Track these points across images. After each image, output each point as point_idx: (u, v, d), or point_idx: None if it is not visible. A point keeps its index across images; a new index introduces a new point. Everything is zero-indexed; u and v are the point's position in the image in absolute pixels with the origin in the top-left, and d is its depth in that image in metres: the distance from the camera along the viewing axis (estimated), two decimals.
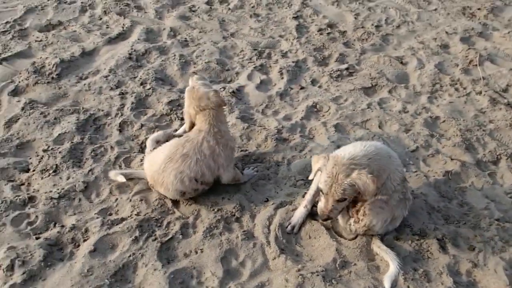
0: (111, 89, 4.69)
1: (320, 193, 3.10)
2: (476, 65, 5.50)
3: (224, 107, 3.61)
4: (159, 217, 3.42)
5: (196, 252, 3.22)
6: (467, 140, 4.36)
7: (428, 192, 3.79)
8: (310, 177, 3.18)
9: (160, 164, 3.37)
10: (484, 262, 3.27)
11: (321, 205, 3.09)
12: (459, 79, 5.26)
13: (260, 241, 3.31)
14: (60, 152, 3.88)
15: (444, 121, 4.60)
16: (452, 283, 3.09)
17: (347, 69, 5.29)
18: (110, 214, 3.44)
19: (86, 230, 3.29)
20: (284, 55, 5.48)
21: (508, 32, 6.19)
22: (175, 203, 3.54)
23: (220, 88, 4.79)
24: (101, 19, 5.87)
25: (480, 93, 5.06)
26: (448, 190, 3.85)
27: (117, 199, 3.55)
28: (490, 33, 6.22)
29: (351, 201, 3.18)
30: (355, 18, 6.37)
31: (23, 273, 2.95)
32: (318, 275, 3.06)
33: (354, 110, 4.67)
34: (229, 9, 6.37)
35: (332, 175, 2.93)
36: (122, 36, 5.56)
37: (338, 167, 2.93)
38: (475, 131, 4.49)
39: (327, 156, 3.04)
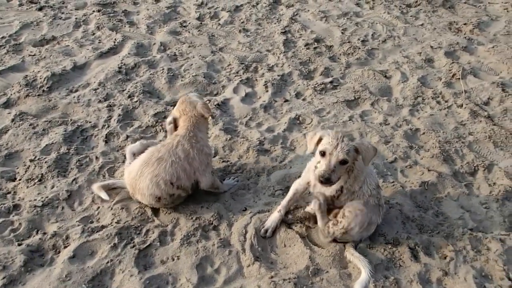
0: (100, 101, 4.83)
1: (320, 157, 3.16)
2: (459, 78, 5.61)
3: (207, 117, 3.72)
4: (139, 225, 3.52)
5: (173, 259, 3.30)
6: (446, 152, 4.45)
7: (404, 202, 3.87)
8: (308, 151, 3.29)
9: (137, 170, 3.48)
10: (454, 270, 3.34)
11: (323, 165, 3.11)
12: (441, 92, 5.36)
13: (236, 249, 3.40)
14: (46, 162, 3.99)
15: (424, 133, 4.70)
16: None
17: (331, 82, 5.41)
18: (91, 222, 3.54)
19: (67, 237, 3.39)
20: (271, 69, 5.61)
21: (493, 47, 6.31)
22: (155, 211, 3.64)
23: (206, 101, 4.91)
24: (94, 34, 6.04)
25: (461, 106, 5.16)
26: (424, 200, 3.94)
27: (98, 207, 3.65)
28: (475, 47, 6.34)
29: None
30: (342, 33, 6.51)
31: (3, 278, 3.05)
32: (290, 282, 3.13)
33: (336, 122, 4.78)
34: (219, 24, 6.53)
35: (337, 137, 3.12)
36: (113, 50, 5.71)
37: (341, 134, 3.16)
38: (454, 143, 4.58)
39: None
